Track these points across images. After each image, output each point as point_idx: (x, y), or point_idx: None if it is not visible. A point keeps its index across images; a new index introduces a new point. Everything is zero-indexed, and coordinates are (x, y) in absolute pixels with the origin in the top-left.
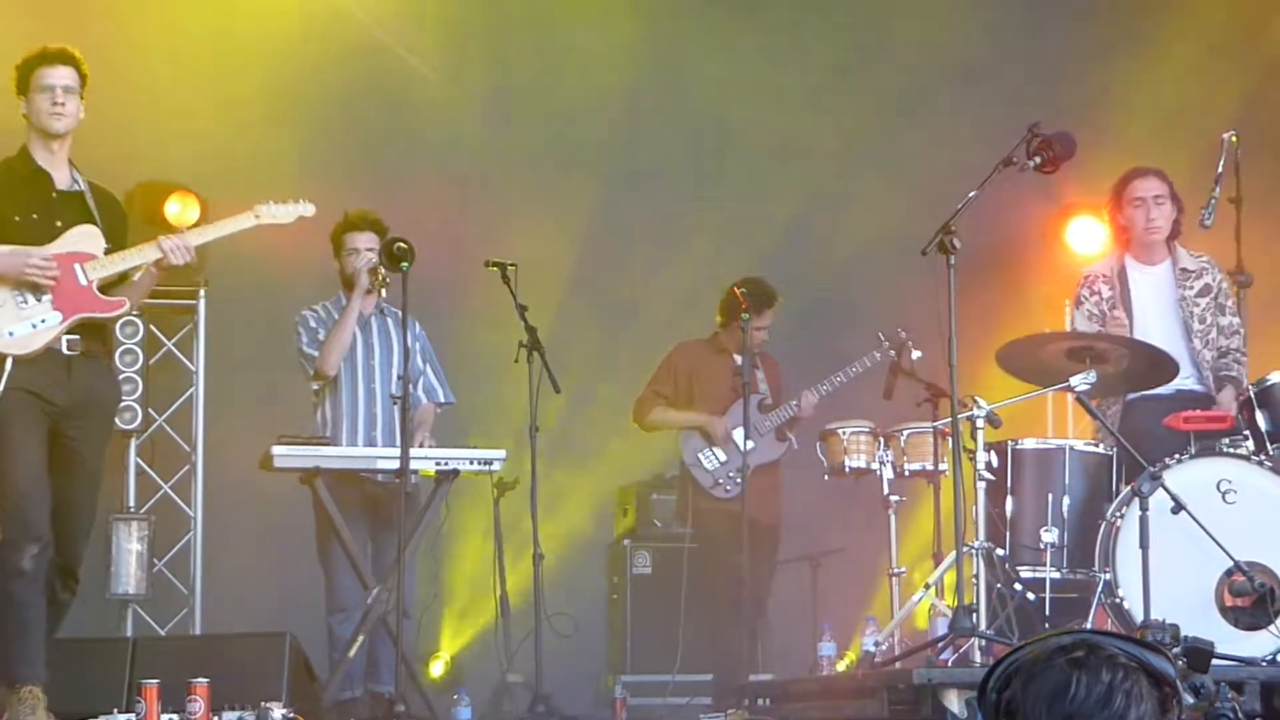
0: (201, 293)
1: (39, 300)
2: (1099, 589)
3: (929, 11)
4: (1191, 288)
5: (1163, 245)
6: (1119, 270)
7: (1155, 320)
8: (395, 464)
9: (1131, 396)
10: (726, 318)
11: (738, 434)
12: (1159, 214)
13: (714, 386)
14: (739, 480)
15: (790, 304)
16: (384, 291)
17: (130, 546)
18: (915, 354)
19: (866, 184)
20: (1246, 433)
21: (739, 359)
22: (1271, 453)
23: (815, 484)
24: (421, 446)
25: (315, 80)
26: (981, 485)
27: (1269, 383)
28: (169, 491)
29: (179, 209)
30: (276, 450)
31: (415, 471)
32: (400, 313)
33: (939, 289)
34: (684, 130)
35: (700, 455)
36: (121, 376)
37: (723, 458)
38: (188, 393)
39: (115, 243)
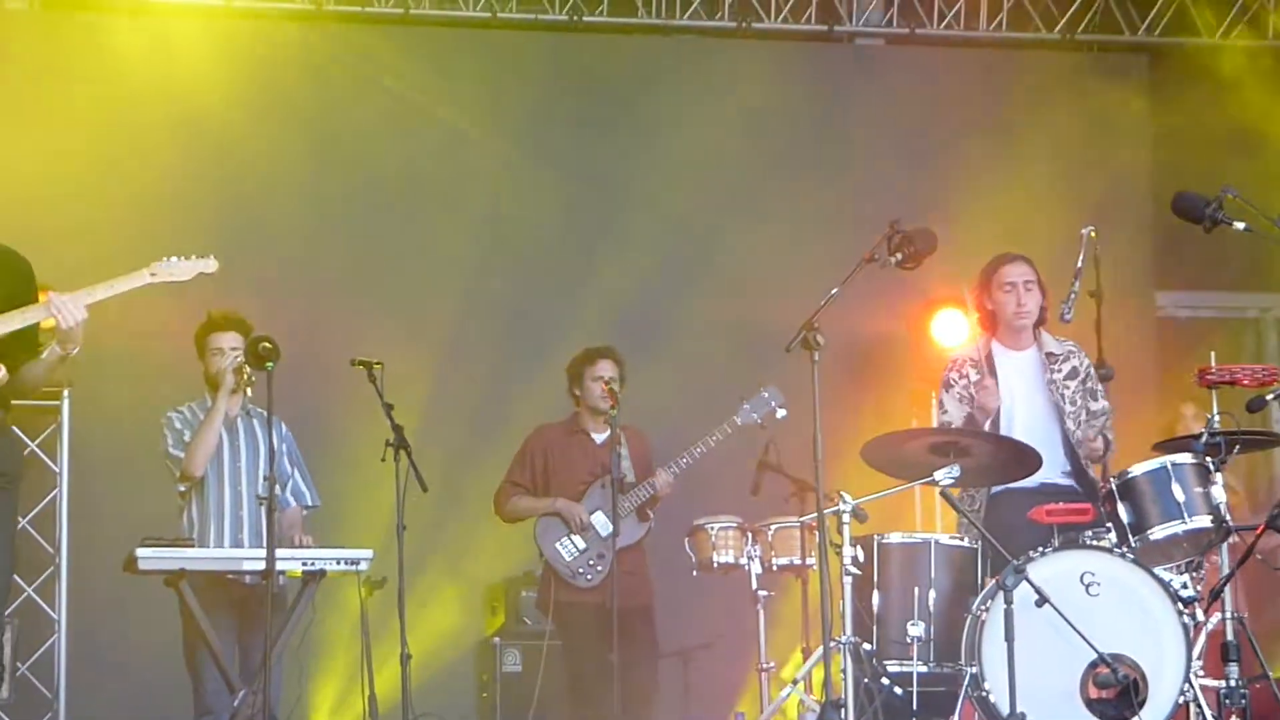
0: (66, 393)
1: None
2: (965, 683)
3: (784, 107)
4: (1060, 370)
5: (1029, 331)
6: (986, 355)
7: (1024, 405)
8: (261, 565)
9: (996, 490)
10: (574, 388)
11: (597, 518)
12: (1029, 299)
13: (572, 470)
14: (600, 568)
15: (658, 384)
16: (249, 391)
17: None
18: (781, 412)
19: (733, 273)
20: (1109, 525)
21: (598, 438)
22: (1134, 544)
23: (684, 579)
24: (302, 547)
25: (175, 175)
26: (848, 580)
27: (1130, 475)
28: (32, 594)
29: None
30: (141, 552)
31: (282, 572)
32: (266, 413)
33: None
34: (546, 224)
35: (558, 545)
36: None
37: (581, 545)
38: (51, 494)
39: (12, 301)
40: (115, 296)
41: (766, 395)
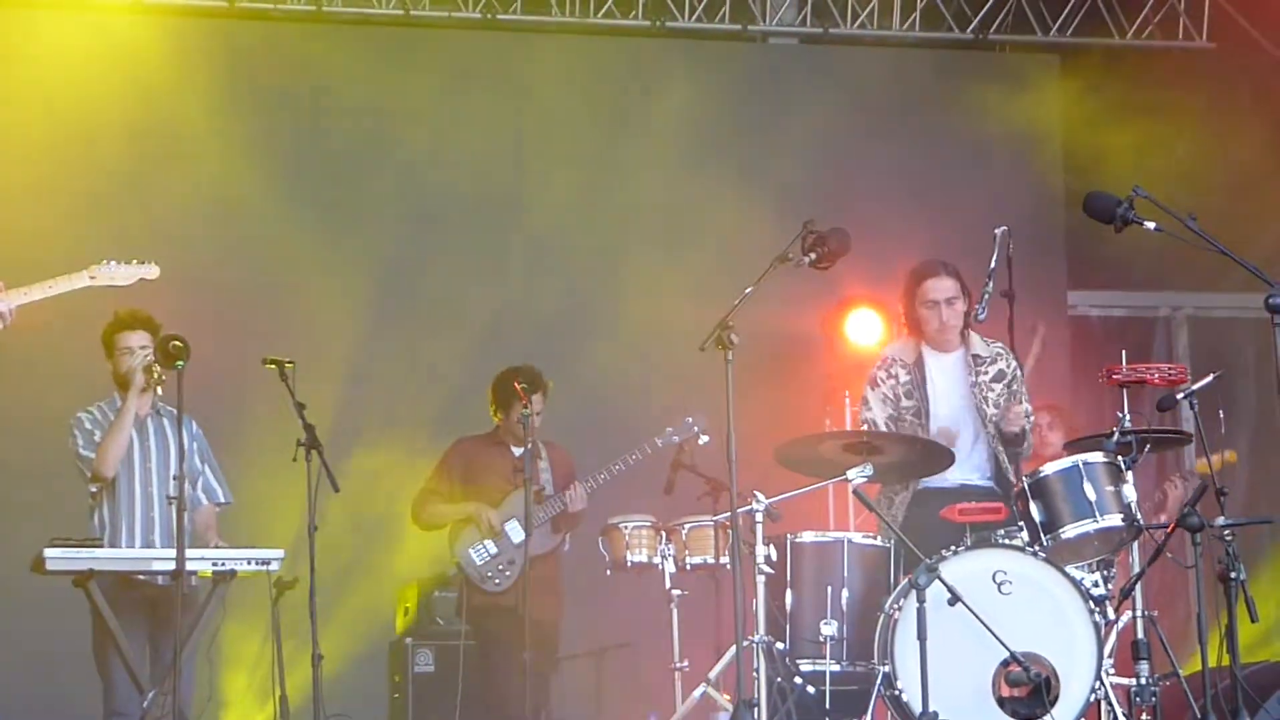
0: None
1: None
2: (878, 681)
3: (698, 107)
4: (986, 373)
5: (956, 337)
6: (917, 357)
7: (947, 407)
8: (171, 565)
9: (920, 487)
10: (498, 407)
11: (510, 526)
12: (950, 314)
13: (491, 480)
14: (509, 574)
15: (583, 389)
16: (159, 390)
17: None
18: (703, 439)
19: (648, 275)
20: (1021, 524)
21: (517, 450)
22: (1046, 543)
23: (598, 579)
24: (215, 548)
25: (92, 170)
26: (761, 579)
27: (1042, 474)
28: None
29: None
30: (49, 553)
31: (193, 573)
32: (176, 411)
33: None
34: (462, 220)
35: (471, 550)
36: None
37: (493, 550)
38: None
39: None
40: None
41: (690, 421)
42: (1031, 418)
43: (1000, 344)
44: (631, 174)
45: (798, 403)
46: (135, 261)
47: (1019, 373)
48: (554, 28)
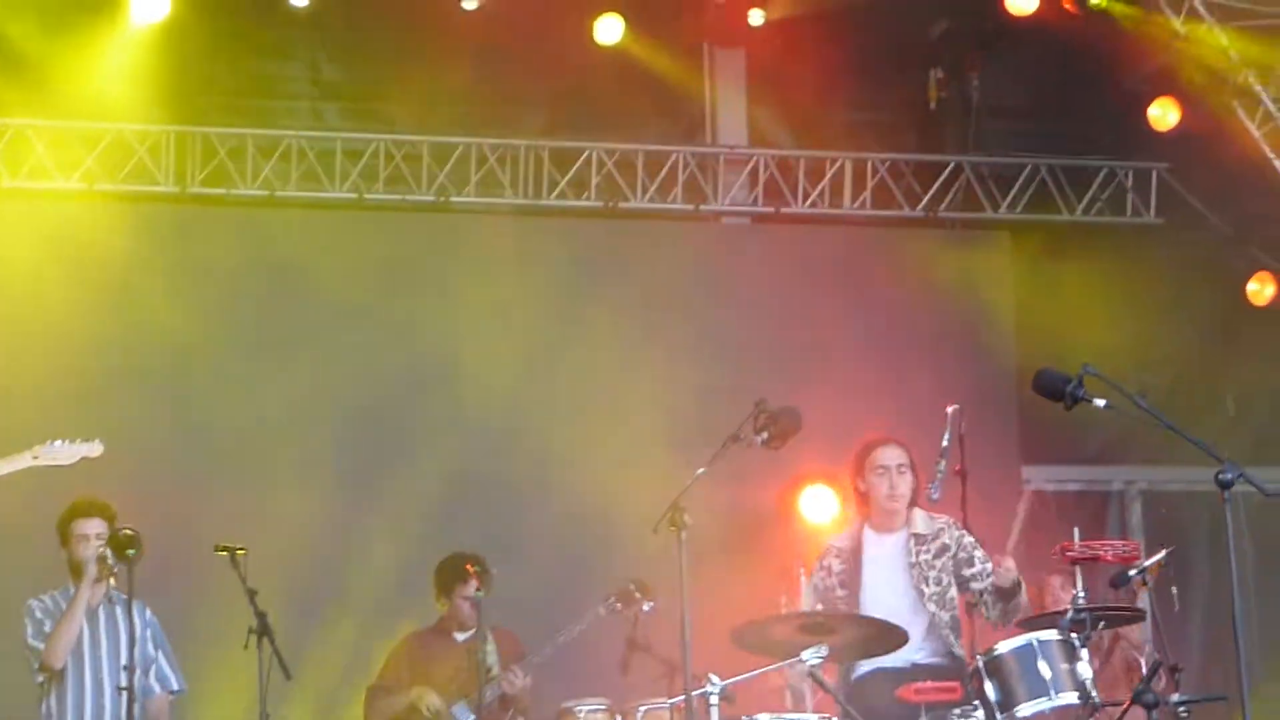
0: None
1: None
2: None
3: (651, 286)
4: (928, 551)
5: (902, 512)
6: (855, 545)
7: (888, 590)
8: None
9: (865, 670)
10: (441, 593)
11: (457, 708)
12: (901, 482)
13: (436, 669)
14: None
15: (535, 573)
16: (112, 580)
17: None
18: (646, 605)
19: (601, 454)
20: (977, 703)
21: (460, 636)
22: None
23: None
24: None
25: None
26: None
27: (996, 652)
28: None
29: None
30: None
31: None
32: (128, 599)
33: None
34: (414, 400)
35: None
36: None
37: None
38: None
39: None
40: None
41: (632, 588)
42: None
43: (946, 518)
44: (584, 352)
45: (753, 582)
46: (79, 440)
47: (966, 539)
48: (507, 210)
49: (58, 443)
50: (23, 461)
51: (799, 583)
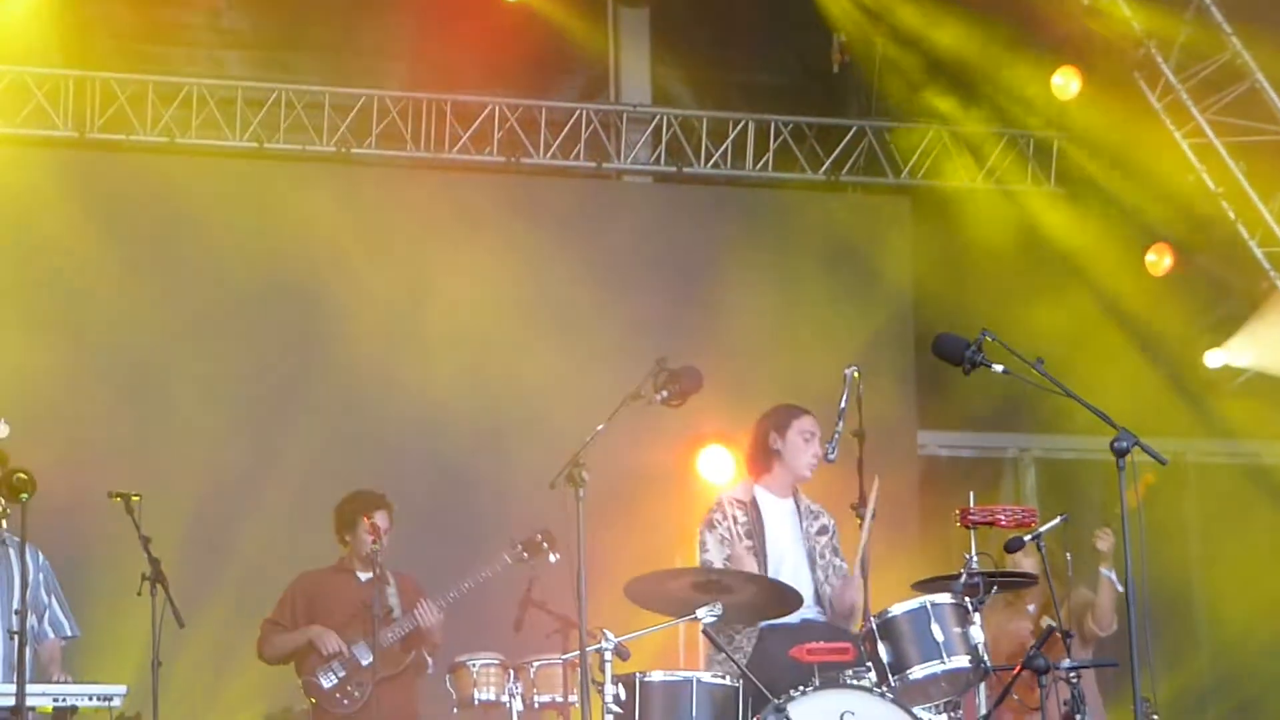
0: None
1: None
2: None
3: (552, 244)
4: (814, 525)
5: (791, 482)
6: (752, 499)
7: (784, 545)
8: (11, 700)
9: (764, 625)
10: (342, 533)
11: (358, 648)
12: (820, 452)
13: (336, 607)
14: (358, 695)
15: (425, 514)
16: (4, 523)
17: None
18: (553, 556)
19: (498, 409)
20: (869, 664)
21: (363, 576)
22: (893, 684)
23: (445, 716)
24: (61, 684)
25: None
26: (610, 718)
27: (890, 615)
28: None
29: None
30: None
31: (32, 709)
32: (20, 541)
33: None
34: (322, 351)
35: (318, 673)
36: None
37: (341, 672)
38: None
39: None
40: None
41: (539, 538)
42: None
43: (819, 505)
44: (479, 306)
45: (650, 540)
46: None
47: (834, 529)
48: (409, 163)
49: None
50: None
51: (696, 544)
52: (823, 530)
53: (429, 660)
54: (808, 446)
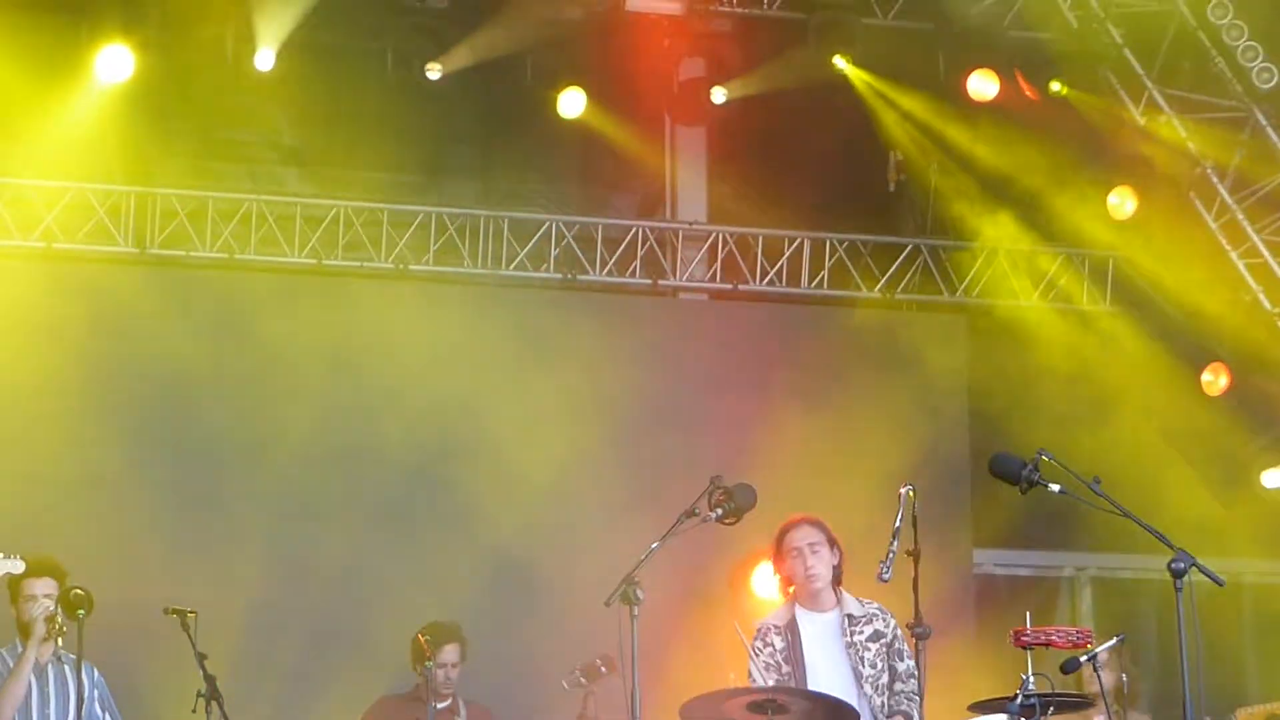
0: None
1: None
2: None
3: (614, 356)
4: (861, 633)
5: (829, 592)
6: (789, 620)
7: (825, 667)
8: None
9: None
10: (415, 662)
11: None
12: (816, 561)
13: None
14: None
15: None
16: (60, 640)
17: None
18: (603, 669)
19: (555, 526)
20: None
21: (439, 704)
22: None
23: None
24: None
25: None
26: None
27: None
28: None
29: None
30: None
31: None
32: (77, 659)
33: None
34: (373, 469)
35: None
36: None
37: None
38: None
39: None
40: None
41: (599, 663)
42: (917, 676)
43: (876, 605)
44: (538, 426)
45: (704, 659)
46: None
47: (898, 631)
48: (466, 280)
49: None
50: None
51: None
52: (876, 636)
53: None
54: (798, 561)
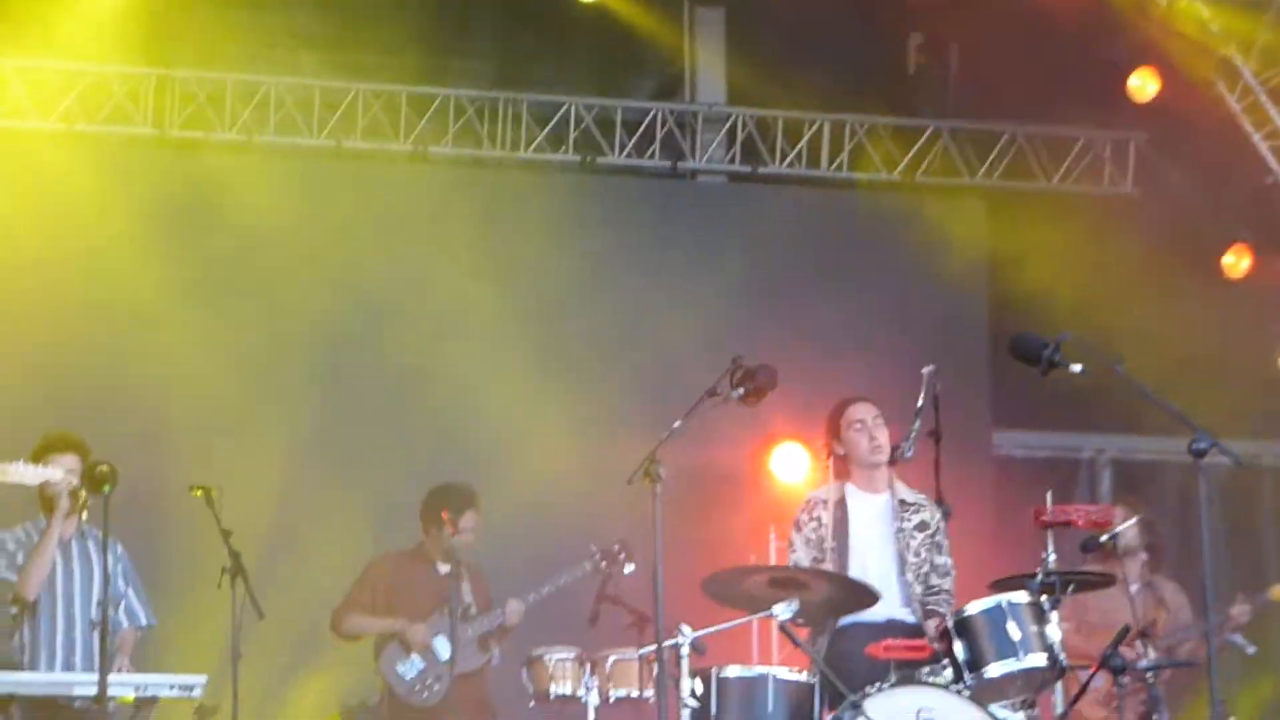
0: None
1: None
2: None
3: (627, 244)
4: (910, 520)
5: (884, 474)
6: (839, 498)
7: (870, 548)
8: (93, 690)
9: (844, 622)
10: (427, 524)
11: (438, 641)
12: (880, 435)
13: (415, 596)
14: (437, 689)
15: (503, 514)
16: (85, 514)
17: None
18: (629, 567)
19: (575, 406)
20: (946, 661)
21: (443, 567)
22: (969, 681)
23: (520, 710)
24: (120, 672)
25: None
26: (686, 712)
27: (966, 614)
28: None
29: None
30: None
31: (114, 698)
32: (101, 534)
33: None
34: (394, 343)
35: (398, 665)
36: None
37: (421, 665)
38: None
39: None
40: None
41: (617, 548)
42: (951, 575)
43: (925, 496)
44: (558, 308)
45: (723, 538)
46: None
47: (942, 525)
48: (483, 162)
49: (20, 464)
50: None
51: (769, 541)
52: (921, 526)
53: (495, 652)
54: (862, 434)
